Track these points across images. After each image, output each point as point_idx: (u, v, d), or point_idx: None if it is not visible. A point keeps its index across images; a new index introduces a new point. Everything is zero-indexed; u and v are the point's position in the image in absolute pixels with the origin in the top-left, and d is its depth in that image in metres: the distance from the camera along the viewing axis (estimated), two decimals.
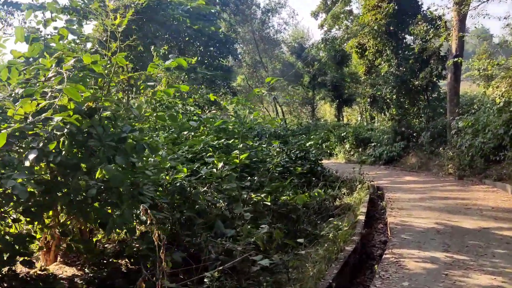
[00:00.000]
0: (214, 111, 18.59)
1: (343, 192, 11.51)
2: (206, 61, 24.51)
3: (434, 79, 21.87)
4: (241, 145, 7.45)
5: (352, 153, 26.38)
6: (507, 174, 12.87)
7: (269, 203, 6.74)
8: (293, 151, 13.22)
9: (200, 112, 11.27)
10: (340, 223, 7.03)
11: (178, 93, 16.34)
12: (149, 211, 3.29)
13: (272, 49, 40.80)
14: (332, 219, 9.46)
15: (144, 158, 5.34)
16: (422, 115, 23.02)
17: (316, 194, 8.46)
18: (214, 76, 24.41)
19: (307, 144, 13.52)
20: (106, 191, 4.45)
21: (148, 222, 3.28)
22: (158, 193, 5.55)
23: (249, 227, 6.52)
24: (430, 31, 19.52)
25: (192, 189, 6.08)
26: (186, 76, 17.50)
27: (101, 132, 4.51)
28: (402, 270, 5.26)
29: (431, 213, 9.00)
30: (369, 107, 27.98)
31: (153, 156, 5.55)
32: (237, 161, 6.92)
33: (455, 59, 16.83)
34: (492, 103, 14.29)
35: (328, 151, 14.02)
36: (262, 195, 6.81)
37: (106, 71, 5.55)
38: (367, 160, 23.82)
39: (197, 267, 4.91)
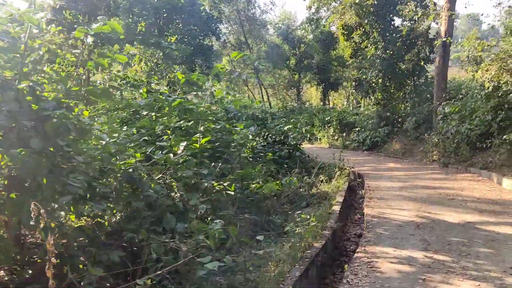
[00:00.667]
0: (194, 93, 17.73)
1: (321, 179, 10.86)
2: (185, 40, 23.44)
3: (422, 63, 21.27)
4: (201, 128, 6.67)
5: (336, 137, 25.81)
6: (493, 163, 12.34)
7: (232, 193, 6.00)
8: (270, 134, 12.48)
9: (167, 91, 10.41)
10: (310, 215, 6.34)
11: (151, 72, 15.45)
12: (42, 211, 2.52)
13: (258, 30, 39.64)
14: (307, 208, 8.85)
15: (85, 142, 4.58)
16: (408, 100, 22.45)
17: (288, 182, 7.76)
18: (193, 55, 23.42)
19: (285, 128, 12.78)
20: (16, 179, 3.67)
21: (41, 225, 2.52)
22: (101, 182, 4.79)
23: (208, 219, 5.84)
24: (418, 11, 18.76)
25: (143, 176, 5.33)
26: (161, 55, 16.54)
27: (16, 108, 3.72)
28: (374, 273, 4.61)
29: (412, 204, 8.39)
30: (354, 91, 27.31)
31: (93, 139, 4.77)
32: (197, 145, 6.15)
33: (444, 38, 16.16)
34: (480, 88, 13.68)
35: (308, 136, 13.31)
36: (225, 184, 6.07)
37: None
38: (350, 145, 23.28)
39: (136, 269, 4.19)
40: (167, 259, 4.11)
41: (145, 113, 7.71)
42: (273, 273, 4.48)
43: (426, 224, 6.73)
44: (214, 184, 6.16)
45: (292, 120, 15.34)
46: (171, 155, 5.91)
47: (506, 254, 5.25)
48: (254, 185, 6.99)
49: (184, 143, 6.32)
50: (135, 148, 6.01)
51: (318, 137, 27.43)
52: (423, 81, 22.13)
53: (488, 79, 11.63)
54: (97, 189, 4.62)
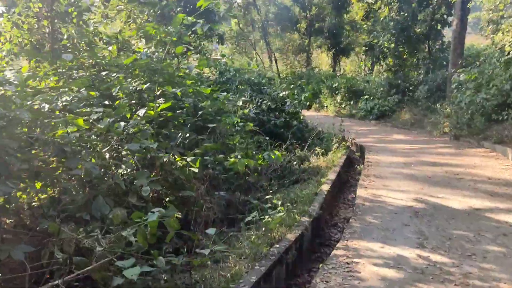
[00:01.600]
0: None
1: (317, 152, 9.83)
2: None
3: (438, 26, 19.66)
4: (158, 92, 5.62)
5: (343, 106, 24.53)
6: (509, 136, 11.14)
7: (196, 170, 5.02)
8: (264, 101, 11.39)
9: (141, 49, 9.29)
10: (279, 201, 5.39)
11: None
12: None
13: None
14: (295, 185, 7.89)
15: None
16: (422, 67, 21.01)
17: (272, 156, 6.73)
18: (193, 16, 21.92)
19: (281, 94, 11.66)
20: None
21: None
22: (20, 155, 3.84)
23: (166, 200, 4.93)
24: None
25: (79, 149, 4.38)
26: (152, 12, 15.30)
27: None
28: (351, 281, 3.64)
29: (412, 184, 7.35)
30: (364, 56, 25.76)
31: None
32: (152, 112, 5.13)
33: None
34: (499, 54, 12.29)
35: (307, 103, 12.19)
36: (189, 159, 5.08)
37: None
38: (357, 114, 22.04)
39: (42, 272, 3.30)
40: (80, 260, 3.19)
41: (113, 74, 6.65)
42: (224, 278, 3.57)
43: (425, 211, 5.71)
44: (177, 159, 5.19)
45: (291, 86, 14.16)
46: (122, 123, 4.91)
47: None
48: (231, 160, 5.99)
49: (143, 110, 5.31)
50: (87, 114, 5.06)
51: (325, 105, 26.19)
52: (438, 46, 20.58)
53: (509, 42, 10.26)
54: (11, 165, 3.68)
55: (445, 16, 19.55)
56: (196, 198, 5.48)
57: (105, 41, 8.55)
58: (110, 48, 7.93)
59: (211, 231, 3.81)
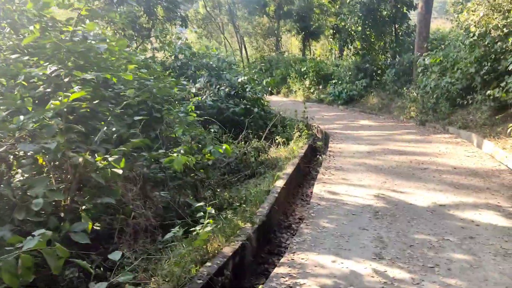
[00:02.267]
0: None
1: (277, 142, 9.15)
2: None
3: (404, 9, 19.14)
4: (66, 78, 4.74)
5: (312, 90, 23.95)
6: (474, 121, 10.75)
7: (119, 171, 4.22)
8: (222, 87, 10.59)
9: (70, 28, 8.28)
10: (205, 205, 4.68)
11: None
12: None
13: None
14: (251, 180, 7.21)
15: None
16: (389, 50, 20.52)
17: (221, 150, 5.98)
18: None
19: (240, 79, 10.87)
20: None
21: None
22: None
23: (82, 208, 4.18)
24: None
25: None
26: None
27: None
28: None
29: (375, 176, 6.75)
30: (331, 39, 25.13)
31: None
32: (57, 103, 4.27)
33: None
34: (465, 36, 11.79)
35: (269, 89, 11.47)
36: (111, 158, 4.27)
37: None
38: (325, 99, 21.49)
39: None
40: None
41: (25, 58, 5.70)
42: None
43: (386, 210, 5.10)
44: (98, 159, 4.37)
45: (254, 71, 13.33)
46: (21, 117, 4.04)
47: (487, 264, 3.67)
48: (166, 159, 5.20)
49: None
50: None
51: (294, 90, 25.54)
52: (405, 29, 20.09)
53: (475, 22, 9.74)
54: None
55: None
56: (127, 203, 4.73)
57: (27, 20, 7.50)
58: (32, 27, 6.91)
59: (115, 255, 3.04)
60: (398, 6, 19.19)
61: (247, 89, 10.86)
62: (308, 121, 14.39)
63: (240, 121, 10.55)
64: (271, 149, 8.88)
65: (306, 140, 9.61)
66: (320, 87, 23.39)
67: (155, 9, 20.77)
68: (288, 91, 26.21)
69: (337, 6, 21.93)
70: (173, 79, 8.67)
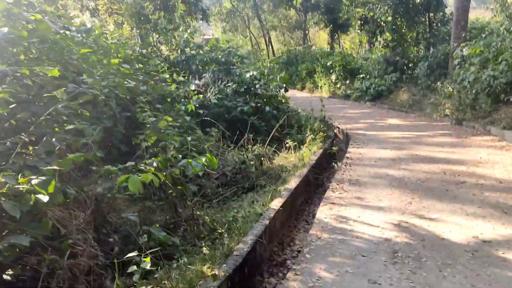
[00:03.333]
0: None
1: (288, 145, 7.88)
2: None
3: None
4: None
5: (338, 86, 22.39)
6: None
7: (44, 198, 3.10)
8: (229, 84, 9.39)
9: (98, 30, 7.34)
10: None
11: None
12: None
13: None
14: (249, 194, 6.01)
15: None
16: (422, 41, 18.73)
17: (205, 162, 4.77)
18: None
19: (248, 75, 9.61)
20: None
21: None
22: None
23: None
24: None
25: None
26: None
27: None
28: None
29: (399, 194, 5.39)
30: (358, 31, 23.40)
31: None
32: None
33: None
34: (510, 23, 10.10)
35: (284, 85, 10.18)
36: (35, 181, 3.17)
37: None
38: (352, 94, 19.93)
39: None
40: None
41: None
42: None
43: (409, 250, 3.76)
44: (20, 180, 3.29)
45: (276, 66, 12.02)
46: None
47: None
48: (120, 178, 4.06)
49: None
50: None
51: (319, 85, 24.04)
52: (439, 18, 18.25)
53: None
54: None
55: None
56: (68, 235, 3.63)
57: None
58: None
59: None
60: None
61: (256, 86, 9.60)
62: (329, 120, 13.06)
63: (249, 121, 9.32)
64: (280, 154, 7.63)
65: (321, 143, 8.29)
66: (347, 82, 21.79)
67: (176, 2, 19.82)
68: (314, 87, 24.73)
69: None
70: (166, 75, 7.57)
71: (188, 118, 7.43)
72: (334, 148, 7.60)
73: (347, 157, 7.55)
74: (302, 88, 26.21)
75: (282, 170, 6.66)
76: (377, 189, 5.57)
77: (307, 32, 35.01)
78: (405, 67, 18.13)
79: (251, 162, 6.51)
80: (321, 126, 9.52)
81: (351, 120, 13.17)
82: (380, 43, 20.66)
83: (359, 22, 21.09)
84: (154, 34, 11.32)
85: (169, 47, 10.11)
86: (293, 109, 12.45)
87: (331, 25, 32.84)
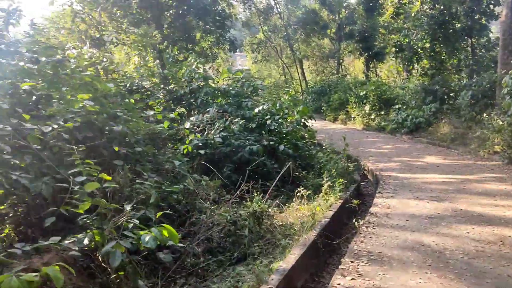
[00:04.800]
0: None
1: (300, 195, 6.39)
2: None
3: (483, 19, 15.54)
4: None
5: (372, 117, 20.64)
6: None
7: None
8: (236, 119, 8.09)
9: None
10: None
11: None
12: None
13: None
14: (237, 267, 4.58)
15: None
16: (464, 68, 16.87)
17: (158, 235, 3.39)
18: (205, 22, 19.09)
19: (257, 109, 8.27)
20: None
21: None
22: None
23: None
24: None
25: None
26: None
27: None
28: None
29: (437, 284, 3.75)
30: (393, 59, 21.75)
31: None
32: None
33: None
34: None
35: (303, 119, 8.77)
36: None
37: None
38: (387, 126, 18.15)
39: None
40: None
41: None
42: None
43: None
44: None
45: (282, 95, 10.66)
46: None
47: None
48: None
49: None
50: None
51: (352, 117, 22.40)
52: (484, 43, 16.38)
53: None
54: None
55: (491, 6, 15.43)
56: None
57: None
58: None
59: None
60: (476, 17, 15.65)
61: (267, 121, 8.26)
62: (358, 158, 11.45)
63: (259, 162, 7.95)
64: (291, 205, 6.17)
65: (341, 192, 6.75)
66: (382, 113, 20.03)
67: (194, 34, 19.05)
68: (347, 118, 23.10)
69: (400, 21, 18.76)
70: (150, 112, 6.37)
71: (178, 162, 6.15)
72: (355, 202, 6.01)
73: (371, 213, 5.94)
74: (335, 120, 24.63)
75: (286, 231, 5.19)
76: (406, 273, 3.96)
77: (341, 61, 33.59)
78: (445, 97, 16.25)
79: (246, 223, 5.07)
80: (344, 168, 7.99)
81: (384, 157, 11.49)
82: (417, 71, 18.92)
83: (393, 49, 19.49)
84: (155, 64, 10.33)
85: (173, 79, 9.01)
86: (318, 144, 11.00)
87: (366, 54, 31.35)
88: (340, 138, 16.18)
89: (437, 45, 16.80)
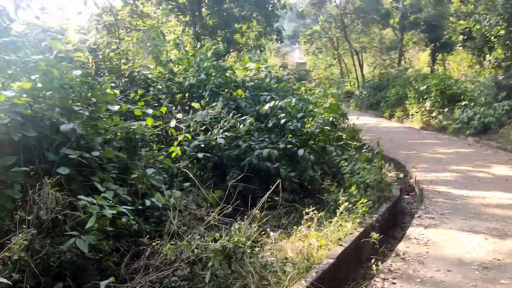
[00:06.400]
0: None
1: (310, 216, 4.82)
2: None
3: None
4: None
5: (433, 114, 18.09)
6: None
7: None
8: (243, 118, 6.62)
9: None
10: None
11: None
12: None
13: None
14: None
15: None
16: None
17: None
18: (245, 9, 17.75)
19: (267, 106, 6.72)
20: None
21: None
22: None
23: None
24: None
25: None
26: None
27: None
28: None
29: None
30: (461, 48, 18.88)
31: None
32: None
33: None
34: None
35: (330, 118, 7.11)
36: None
37: None
38: (449, 126, 15.64)
39: None
40: None
41: None
42: None
43: None
44: None
45: (306, 92, 8.94)
46: None
47: None
48: None
49: None
50: None
51: (411, 114, 19.95)
52: None
53: None
54: None
55: None
56: None
57: None
58: None
59: None
60: None
61: (281, 120, 6.69)
62: (405, 164, 9.54)
63: (270, 170, 6.47)
64: (299, 229, 4.65)
65: (363, 217, 5.04)
66: (445, 110, 17.44)
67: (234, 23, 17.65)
68: (404, 115, 20.66)
69: (471, 5, 16.09)
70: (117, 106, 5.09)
71: (152, 170, 4.84)
72: (374, 236, 4.27)
73: (398, 254, 4.21)
74: (391, 117, 22.23)
75: (267, 275, 3.68)
76: None
77: (403, 53, 30.65)
78: None
79: (209, 264, 3.62)
80: (378, 181, 6.23)
81: (438, 164, 9.45)
82: (489, 63, 16.13)
83: (461, 37, 16.79)
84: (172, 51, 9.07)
85: (180, 67, 7.73)
86: (361, 147, 9.18)
87: (432, 45, 28.25)
88: (392, 138, 14.15)
89: None
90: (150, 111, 5.21)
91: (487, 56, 15.82)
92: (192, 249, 3.74)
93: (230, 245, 3.69)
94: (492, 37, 15.07)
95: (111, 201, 3.78)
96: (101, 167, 4.38)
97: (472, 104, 15.49)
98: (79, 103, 4.48)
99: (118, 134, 5.01)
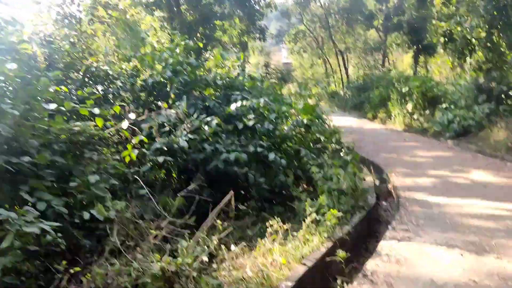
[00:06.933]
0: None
1: (274, 229, 4.36)
2: None
3: None
4: None
5: (415, 117, 17.85)
6: None
7: None
8: (207, 118, 6.13)
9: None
10: None
11: None
12: None
13: None
14: None
15: None
16: None
17: None
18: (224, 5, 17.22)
19: (233, 107, 6.25)
20: None
21: None
22: None
23: None
24: None
25: None
26: None
27: None
28: None
29: None
30: (442, 50, 18.68)
31: None
32: None
33: None
34: None
35: (304, 120, 6.68)
36: None
37: None
38: (430, 129, 15.39)
39: None
40: None
41: None
42: None
43: None
44: None
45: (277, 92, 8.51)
46: None
47: None
48: None
49: None
50: None
51: (393, 115, 19.68)
52: None
53: None
54: None
55: None
56: None
57: None
58: None
59: None
60: None
61: (249, 122, 6.22)
62: (384, 169, 9.17)
63: (237, 176, 6.00)
64: (264, 242, 4.18)
65: (332, 229, 4.59)
66: (427, 112, 17.21)
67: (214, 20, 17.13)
68: (387, 117, 20.39)
69: (452, 7, 15.87)
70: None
71: (95, 178, 4.31)
72: (340, 255, 3.80)
73: (365, 274, 3.78)
74: (374, 118, 21.96)
75: None
76: None
77: (387, 54, 30.49)
78: (503, 96, 13.31)
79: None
80: (351, 188, 5.80)
81: (417, 169, 9.10)
82: (470, 65, 15.91)
83: (442, 39, 16.56)
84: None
85: (142, 66, 7.17)
86: (336, 150, 8.78)
87: (415, 47, 28.11)
88: (374, 141, 13.78)
89: (495, 35, 13.81)
90: (96, 110, 4.66)
91: (468, 58, 15.58)
92: (130, 272, 3.23)
93: (172, 268, 3.20)
94: (473, 39, 14.83)
95: (38, 215, 3.25)
96: (36, 174, 3.85)
97: (452, 106, 15.24)
98: (10, 101, 3.94)
99: (63, 136, 4.47)
